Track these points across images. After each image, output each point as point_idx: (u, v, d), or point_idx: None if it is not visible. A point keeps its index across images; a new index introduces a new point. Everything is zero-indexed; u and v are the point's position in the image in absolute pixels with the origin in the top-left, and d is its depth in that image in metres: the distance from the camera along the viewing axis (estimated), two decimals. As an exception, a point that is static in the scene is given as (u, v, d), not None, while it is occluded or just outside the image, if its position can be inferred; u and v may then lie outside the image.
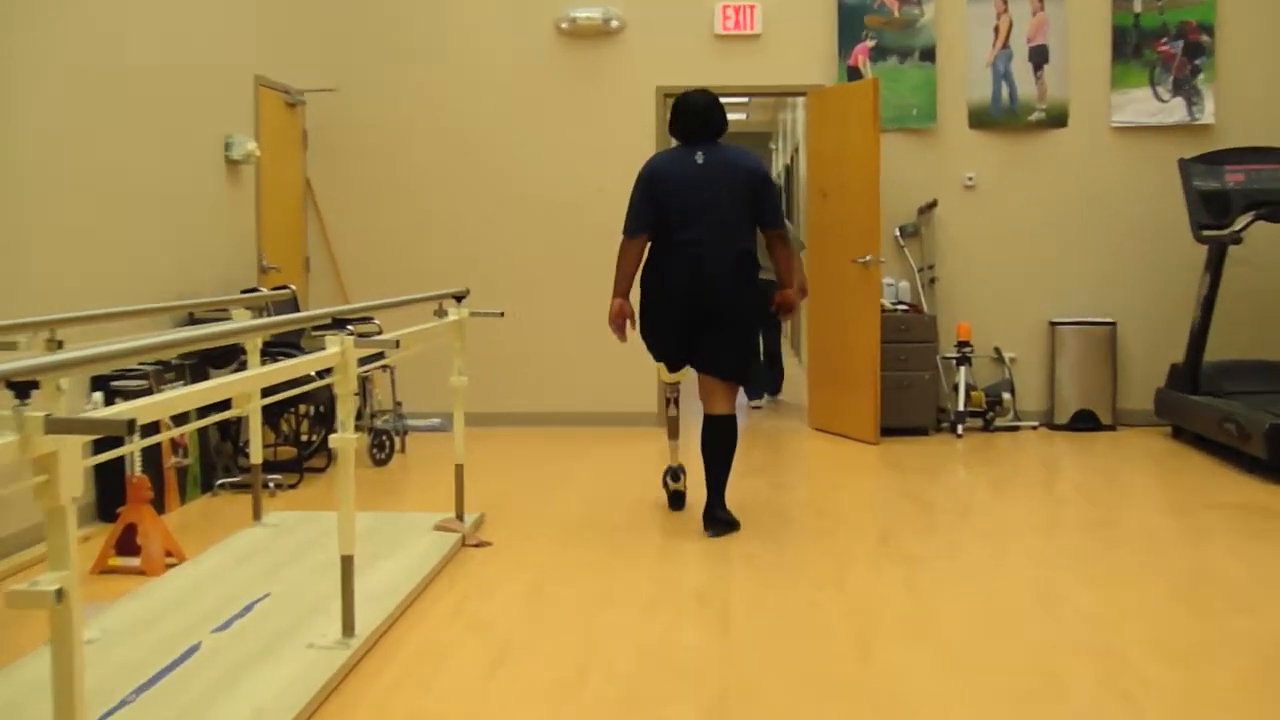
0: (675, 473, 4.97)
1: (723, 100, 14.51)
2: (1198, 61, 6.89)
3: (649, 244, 4.55)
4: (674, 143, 5.00)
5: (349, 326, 3.29)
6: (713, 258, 4.40)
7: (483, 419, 7.16)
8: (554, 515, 4.90)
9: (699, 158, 4.52)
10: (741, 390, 8.32)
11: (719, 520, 4.55)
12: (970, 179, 7.09)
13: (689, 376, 5.19)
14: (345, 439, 3.15)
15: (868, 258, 6.50)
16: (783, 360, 9.00)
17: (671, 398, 4.94)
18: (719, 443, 4.54)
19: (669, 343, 4.55)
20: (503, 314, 4.84)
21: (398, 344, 3.28)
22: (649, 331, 4.59)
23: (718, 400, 4.55)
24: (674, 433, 4.98)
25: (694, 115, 4.53)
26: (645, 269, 4.58)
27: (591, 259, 7.23)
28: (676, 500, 4.98)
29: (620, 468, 5.97)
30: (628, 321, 4.91)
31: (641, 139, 7.18)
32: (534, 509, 5.02)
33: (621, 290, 4.54)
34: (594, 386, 7.25)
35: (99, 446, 4.62)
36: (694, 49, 7.09)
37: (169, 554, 4.12)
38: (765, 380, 8.16)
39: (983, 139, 7.07)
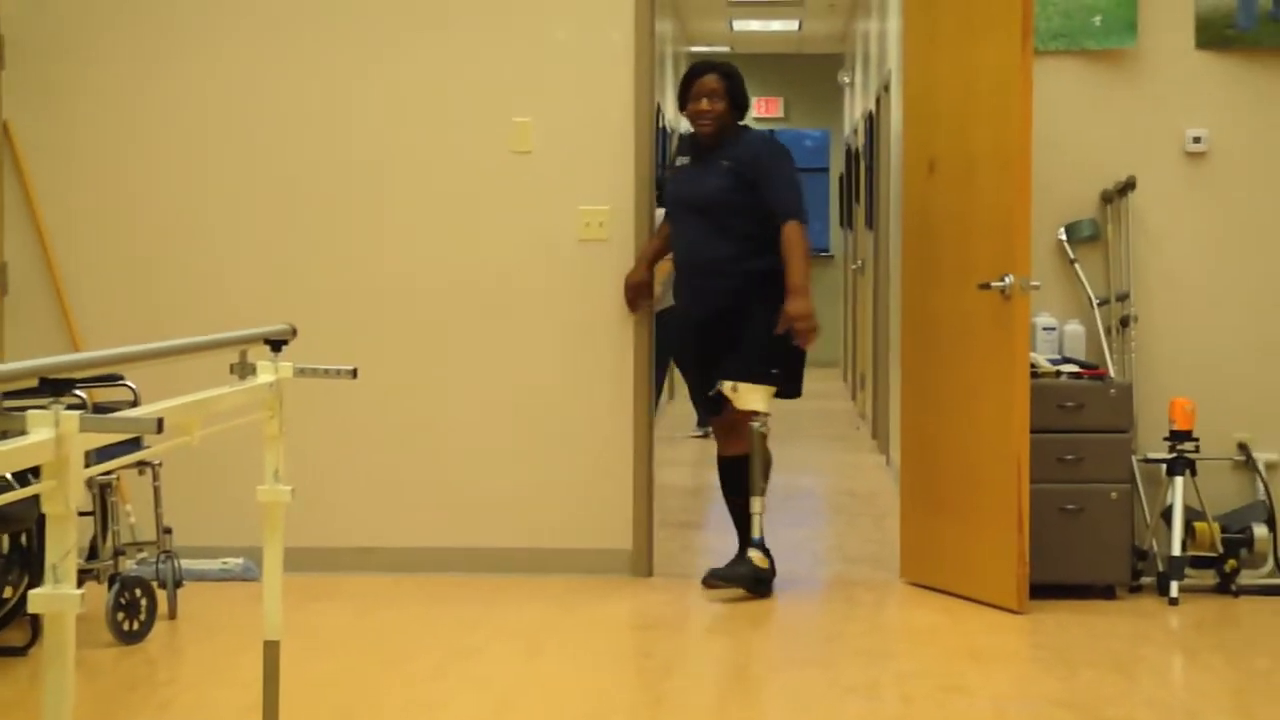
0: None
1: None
2: None
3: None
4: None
5: (76, 390, 3.23)
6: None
7: (321, 559, 7.11)
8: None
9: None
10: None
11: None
12: (1197, 140, 7.10)
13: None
14: (60, 597, 3.09)
15: (1008, 280, 6.49)
16: None
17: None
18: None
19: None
20: (356, 373, 4.79)
21: (160, 425, 3.21)
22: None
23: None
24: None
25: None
26: None
27: (528, 274, 7.20)
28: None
29: (575, 649, 5.93)
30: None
31: (611, 65, 7.19)
32: (405, 727, 4.95)
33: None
34: (529, 503, 7.24)
35: None
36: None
37: None
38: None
39: (1221, 70, 7.08)
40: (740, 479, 6.82)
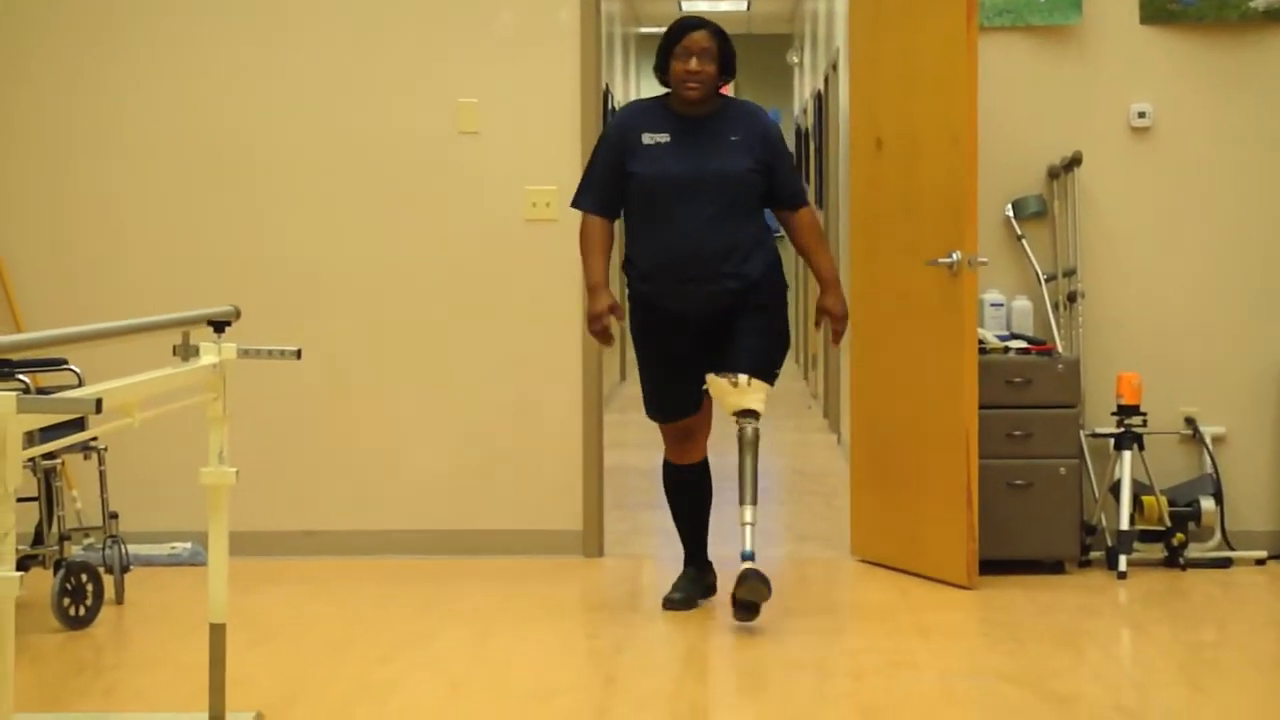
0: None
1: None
2: None
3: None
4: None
5: (18, 374, 3.22)
6: None
7: (268, 543, 7.16)
8: (391, 721, 4.87)
9: None
10: None
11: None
12: (1143, 115, 7.16)
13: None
14: (2, 581, 3.09)
15: (955, 257, 6.52)
16: None
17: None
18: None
19: None
20: (300, 354, 4.79)
21: (99, 406, 3.20)
22: None
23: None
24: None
25: None
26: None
27: (475, 254, 7.22)
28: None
29: (526, 631, 5.95)
30: None
31: (558, 45, 7.19)
32: (358, 710, 4.96)
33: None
34: (479, 485, 7.27)
35: None
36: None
37: None
38: None
39: (1165, 45, 7.14)
40: (700, 490, 6.34)
